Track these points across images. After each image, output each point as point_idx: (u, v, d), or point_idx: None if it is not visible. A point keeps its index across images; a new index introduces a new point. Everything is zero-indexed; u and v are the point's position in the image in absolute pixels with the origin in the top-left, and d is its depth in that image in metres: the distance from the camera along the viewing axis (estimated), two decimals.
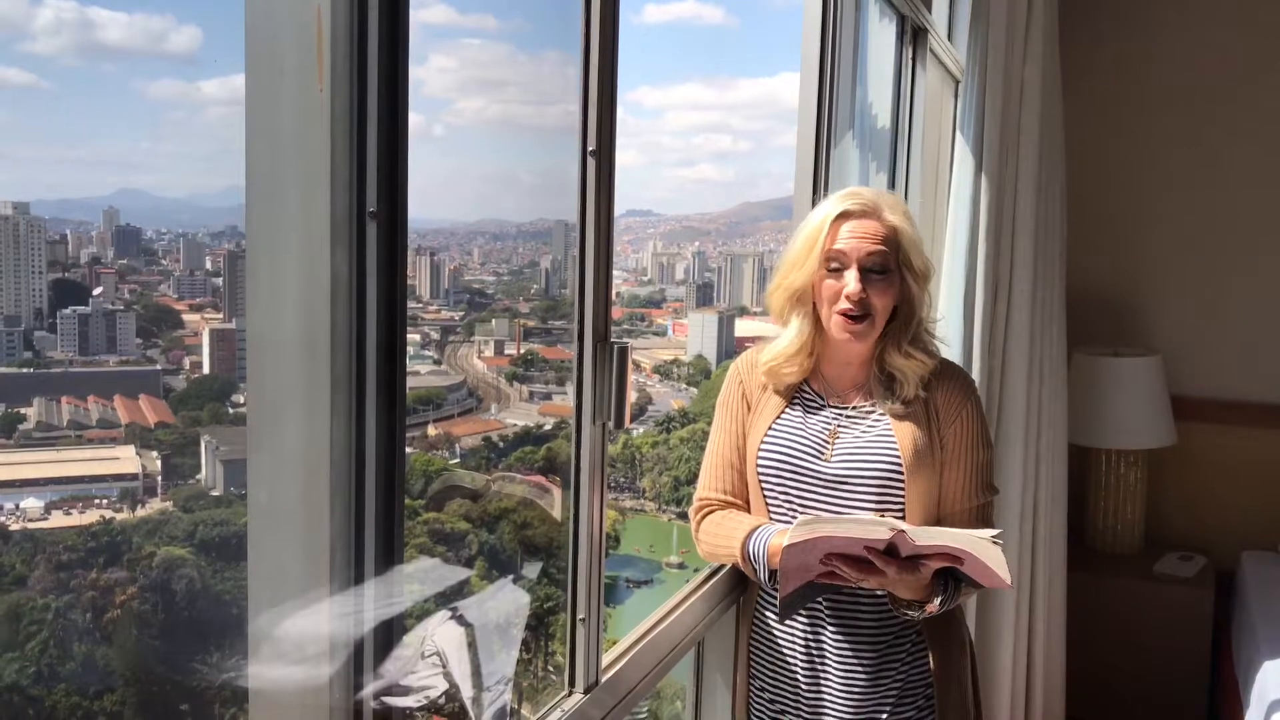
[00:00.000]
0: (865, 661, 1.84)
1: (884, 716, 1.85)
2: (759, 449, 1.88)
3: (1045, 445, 3.20)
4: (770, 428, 1.88)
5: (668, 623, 1.83)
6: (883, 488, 1.81)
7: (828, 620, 1.86)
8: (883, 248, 1.78)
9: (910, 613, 1.75)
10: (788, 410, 1.89)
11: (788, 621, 1.89)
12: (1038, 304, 3.12)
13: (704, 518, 1.93)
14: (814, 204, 2.00)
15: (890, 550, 1.65)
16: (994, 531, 1.64)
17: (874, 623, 1.84)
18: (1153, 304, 3.88)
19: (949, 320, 2.74)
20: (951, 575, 1.72)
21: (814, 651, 1.87)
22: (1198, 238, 3.83)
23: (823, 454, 1.84)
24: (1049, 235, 3.21)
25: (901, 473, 1.80)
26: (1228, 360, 3.81)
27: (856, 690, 1.85)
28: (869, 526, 1.65)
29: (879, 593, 1.79)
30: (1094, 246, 3.80)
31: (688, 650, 1.99)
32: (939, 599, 1.72)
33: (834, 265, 1.79)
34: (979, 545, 1.62)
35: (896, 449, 1.81)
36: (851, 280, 1.77)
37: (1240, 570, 3.56)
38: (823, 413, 1.88)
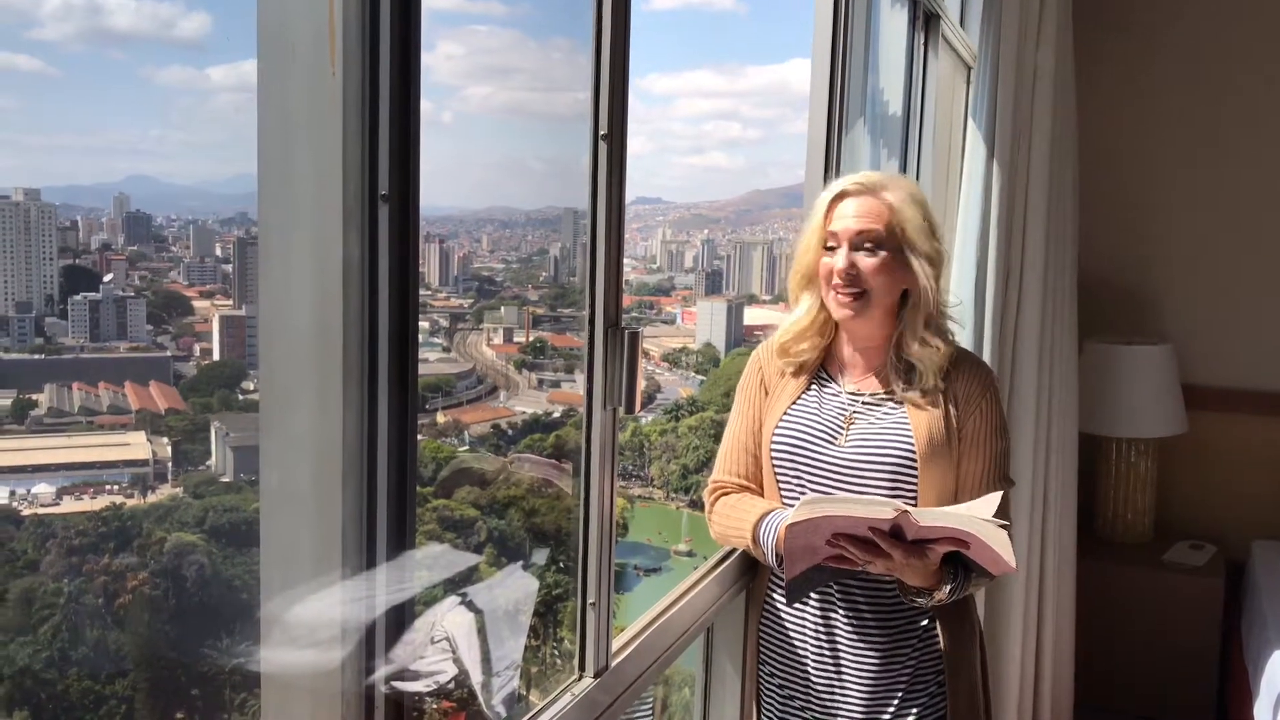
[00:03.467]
0: (877, 647, 1.84)
1: (895, 702, 1.85)
2: (773, 433, 1.88)
3: (1056, 433, 3.19)
4: (785, 412, 1.88)
5: (678, 608, 1.83)
6: (895, 476, 1.80)
7: (839, 605, 1.85)
8: (874, 225, 1.79)
9: (919, 600, 1.75)
10: (804, 395, 1.89)
11: (798, 607, 1.89)
12: (1049, 292, 3.11)
13: (717, 500, 1.93)
14: None
15: (896, 533, 1.64)
16: (999, 517, 1.63)
17: (886, 608, 1.84)
18: (1164, 292, 3.86)
19: (961, 307, 2.72)
20: (961, 564, 1.71)
21: (824, 637, 1.87)
22: (1210, 226, 3.80)
23: (836, 440, 1.84)
24: (1061, 223, 3.19)
25: (914, 462, 1.79)
26: (1239, 349, 3.79)
27: (868, 675, 1.84)
28: (873, 506, 1.64)
29: (889, 578, 1.78)
30: (1106, 234, 3.78)
31: (697, 635, 1.99)
32: (948, 587, 1.71)
33: (829, 244, 1.82)
34: (984, 528, 1.60)
35: (911, 437, 1.80)
36: (840, 257, 1.79)
37: (1250, 559, 3.55)
38: (839, 399, 1.88)
